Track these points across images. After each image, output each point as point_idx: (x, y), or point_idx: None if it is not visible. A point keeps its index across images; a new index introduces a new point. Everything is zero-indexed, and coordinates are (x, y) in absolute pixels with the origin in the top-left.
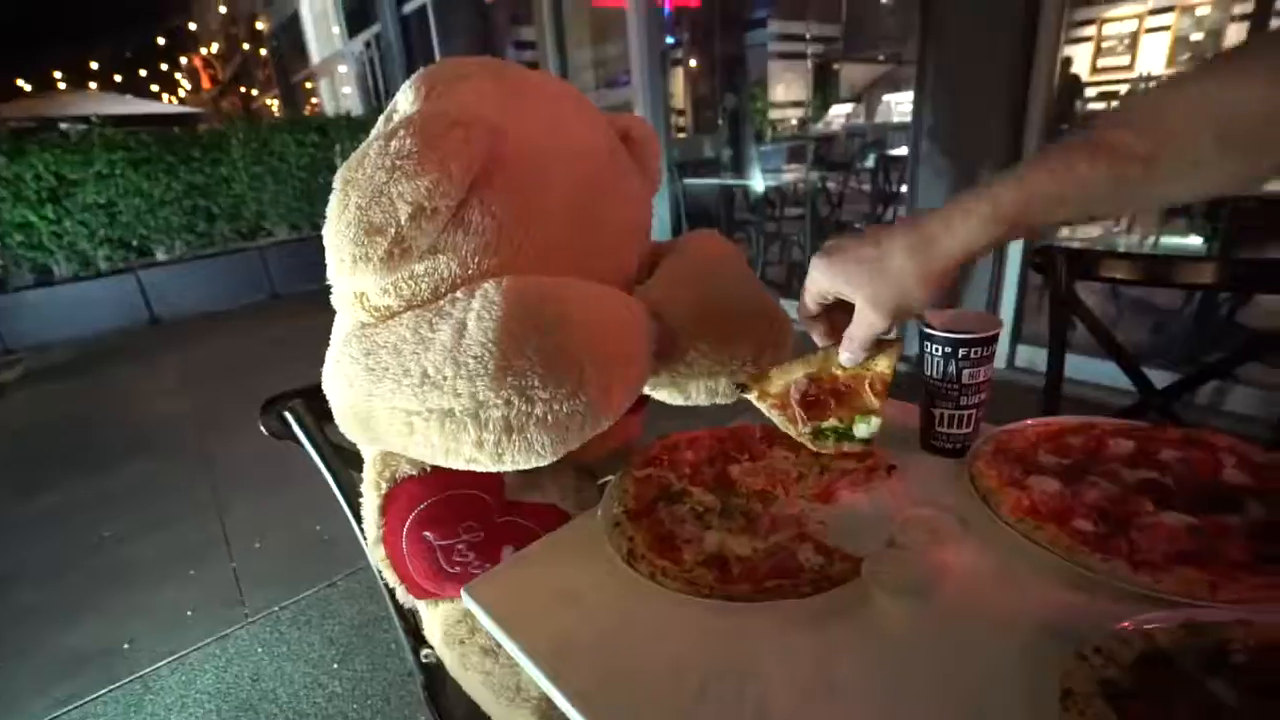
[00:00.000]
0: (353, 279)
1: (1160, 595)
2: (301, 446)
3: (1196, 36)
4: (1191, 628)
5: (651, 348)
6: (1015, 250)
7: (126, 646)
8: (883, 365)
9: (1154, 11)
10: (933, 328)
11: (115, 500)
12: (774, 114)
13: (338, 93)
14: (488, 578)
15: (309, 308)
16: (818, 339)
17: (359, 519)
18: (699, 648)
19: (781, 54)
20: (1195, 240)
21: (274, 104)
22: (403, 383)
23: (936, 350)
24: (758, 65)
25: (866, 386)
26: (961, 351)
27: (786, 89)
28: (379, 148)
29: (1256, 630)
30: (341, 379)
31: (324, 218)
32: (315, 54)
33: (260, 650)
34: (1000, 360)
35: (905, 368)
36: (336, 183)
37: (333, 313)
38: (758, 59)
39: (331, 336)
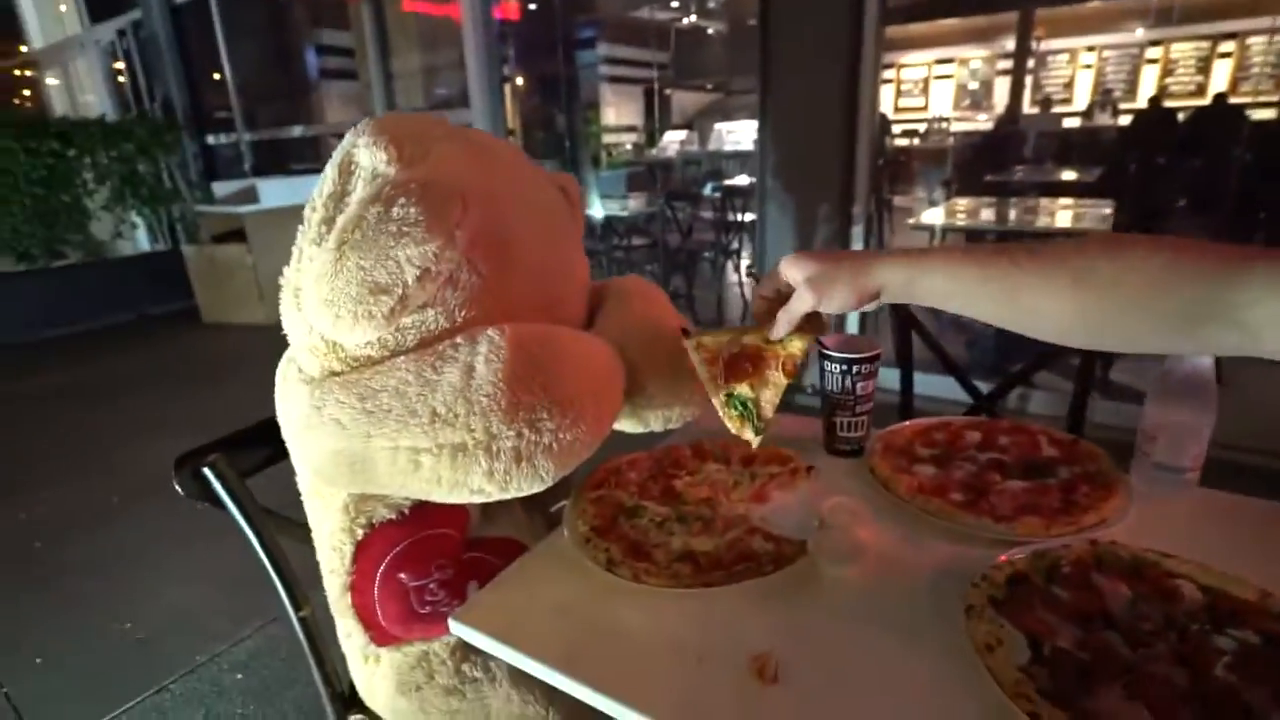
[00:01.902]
0: (352, 333)
1: (1014, 539)
2: (223, 509)
3: (973, 85)
4: (1036, 555)
5: (623, 383)
6: None
7: None
8: (796, 347)
9: (939, 61)
10: (830, 350)
11: None
12: (608, 138)
13: (73, 89)
14: (470, 607)
15: (52, 359)
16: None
17: (287, 584)
18: (690, 628)
19: (613, 78)
20: None
21: None
22: (410, 422)
23: (835, 369)
24: (589, 87)
25: (780, 365)
26: (855, 368)
27: (618, 113)
28: (378, 213)
29: (1073, 551)
30: (328, 423)
31: (68, 243)
32: (35, 38)
33: None
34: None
35: (804, 397)
36: (331, 244)
37: (87, 365)
38: (589, 81)
39: (278, 390)
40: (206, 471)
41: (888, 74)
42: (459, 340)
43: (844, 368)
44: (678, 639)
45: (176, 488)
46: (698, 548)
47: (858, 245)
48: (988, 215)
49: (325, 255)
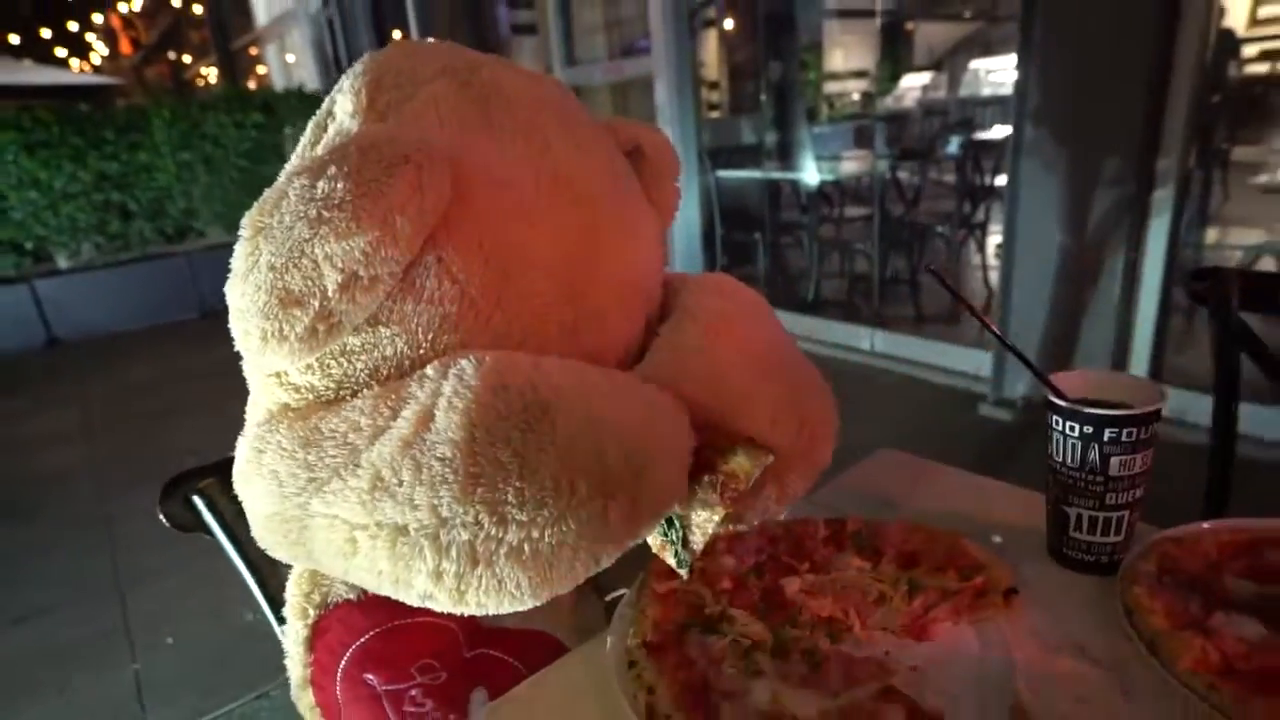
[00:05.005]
0: (263, 358)
1: None
2: (215, 539)
3: None
4: None
5: (687, 458)
6: (1153, 267)
7: None
8: (738, 464)
9: None
10: (1064, 399)
11: None
12: (830, 87)
13: (287, 62)
14: None
15: None
16: None
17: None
18: None
19: (841, 12)
20: None
21: (210, 74)
22: (349, 485)
23: (1072, 430)
24: (810, 27)
25: (718, 486)
26: (1109, 434)
27: (847, 56)
28: (301, 188)
29: None
30: (267, 475)
31: None
32: (262, 14)
33: None
34: None
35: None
36: (244, 229)
37: None
38: (810, 19)
39: (246, 416)
40: (196, 499)
41: None
42: (428, 372)
43: (1088, 430)
44: None
45: (161, 519)
46: (793, 711)
47: (1164, 216)
48: None
49: (240, 247)
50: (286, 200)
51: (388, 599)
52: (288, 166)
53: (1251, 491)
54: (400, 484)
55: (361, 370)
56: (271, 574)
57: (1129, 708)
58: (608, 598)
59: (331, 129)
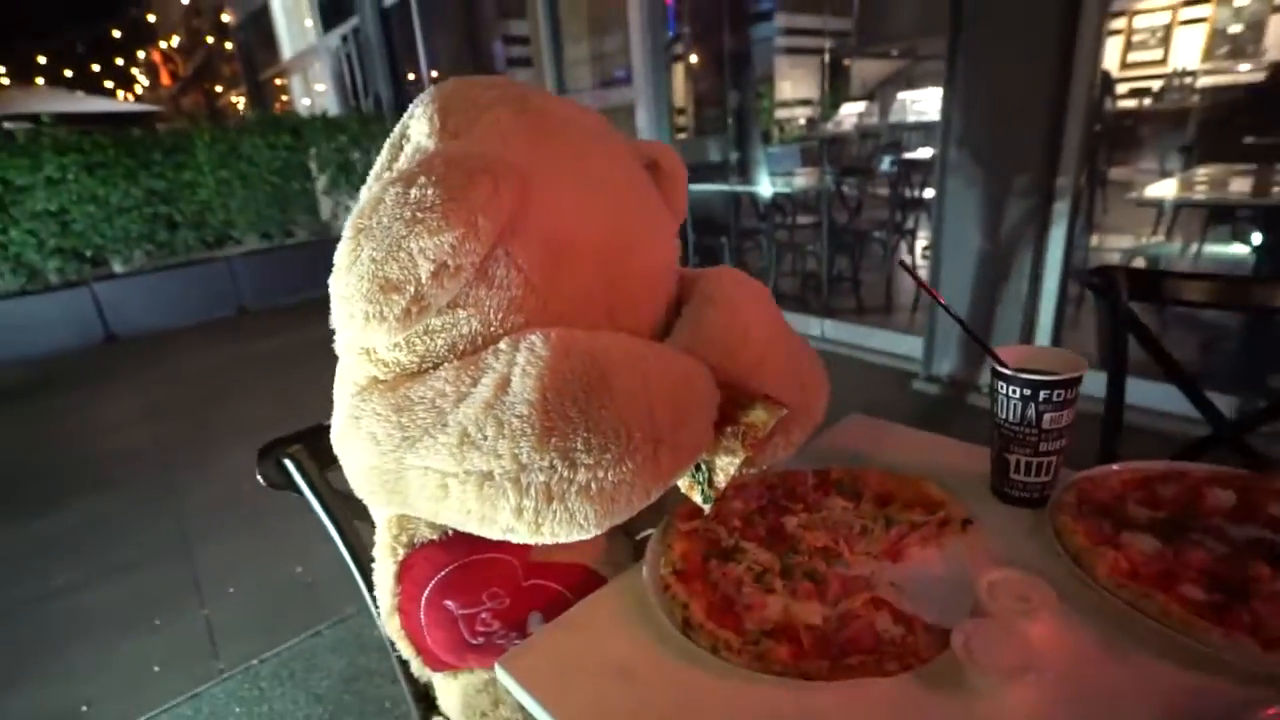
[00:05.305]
0: (363, 336)
1: None
2: (303, 497)
3: (1235, 29)
4: None
5: (713, 413)
6: (1053, 265)
7: (85, 710)
8: (757, 416)
9: (1188, 3)
10: (1007, 367)
11: (66, 543)
12: (781, 113)
13: (311, 90)
14: (524, 649)
15: (281, 323)
16: None
17: (369, 581)
18: None
19: (789, 49)
20: (1240, 249)
21: (240, 102)
22: (439, 440)
23: (1014, 393)
24: (764, 62)
25: (740, 435)
26: (1043, 395)
27: (794, 86)
28: (396, 195)
29: None
30: (364, 436)
31: (298, 224)
32: (287, 49)
33: (238, 709)
34: None
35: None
36: (348, 230)
37: (311, 327)
38: (764, 55)
39: (335, 389)
40: (287, 462)
41: (1116, 23)
42: (501, 346)
43: (1027, 393)
44: None
45: (259, 478)
46: (802, 617)
47: (1061, 224)
48: (1240, 186)
49: (343, 244)
50: (383, 204)
51: (463, 539)
52: (375, 178)
53: (1134, 447)
54: (485, 438)
55: (441, 346)
56: (347, 524)
57: (1061, 606)
58: (637, 537)
59: (409, 148)
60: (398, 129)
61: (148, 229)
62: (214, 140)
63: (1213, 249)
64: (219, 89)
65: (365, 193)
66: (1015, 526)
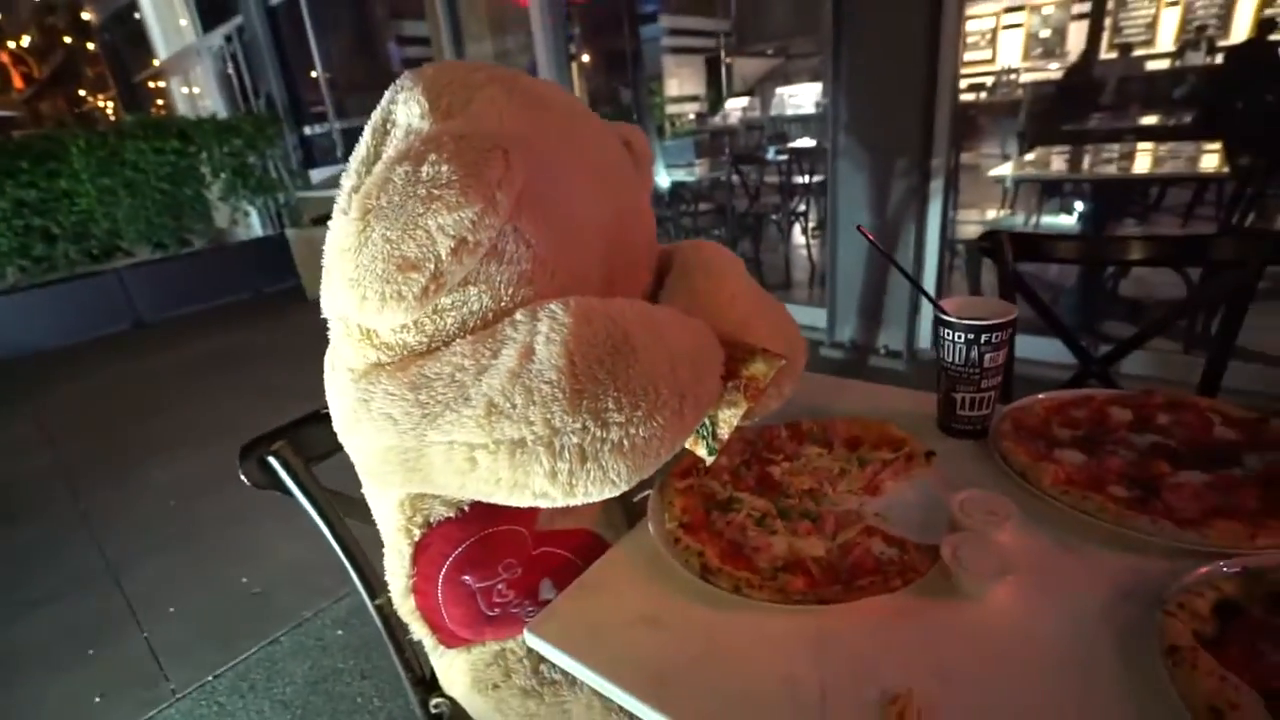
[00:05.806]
0: (378, 317)
1: (1205, 548)
2: (290, 496)
3: (1045, 33)
4: (1249, 575)
5: (721, 368)
6: (933, 236)
7: None
8: (757, 369)
9: (1008, 10)
10: (950, 315)
11: None
12: (671, 109)
13: (193, 93)
14: (549, 615)
15: (182, 335)
16: None
17: (360, 572)
18: (804, 654)
19: (675, 49)
20: (1067, 219)
21: (109, 106)
22: (464, 414)
23: (959, 338)
24: (653, 60)
25: (742, 387)
26: (984, 337)
27: (682, 84)
28: (406, 174)
29: None
30: (379, 418)
31: (194, 233)
32: (161, 49)
33: None
34: (925, 342)
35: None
36: (355, 212)
37: (216, 337)
38: (652, 54)
39: (326, 377)
40: (271, 460)
41: None
42: (518, 317)
43: (970, 337)
44: (790, 668)
45: (242, 478)
46: (808, 552)
47: (937, 200)
48: (1059, 165)
49: (349, 226)
50: (391, 184)
51: (478, 514)
52: (361, 164)
53: (1021, 390)
54: (514, 407)
55: (451, 324)
56: (335, 517)
57: (1017, 511)
58: (635, 499)
59: (397, 131)
60: (377, 115)
61: (19, 243)
62: (91, 146)
63: (1047, 219)
64: (82, 92)
65: (347, 182)
66: (964, 454)
